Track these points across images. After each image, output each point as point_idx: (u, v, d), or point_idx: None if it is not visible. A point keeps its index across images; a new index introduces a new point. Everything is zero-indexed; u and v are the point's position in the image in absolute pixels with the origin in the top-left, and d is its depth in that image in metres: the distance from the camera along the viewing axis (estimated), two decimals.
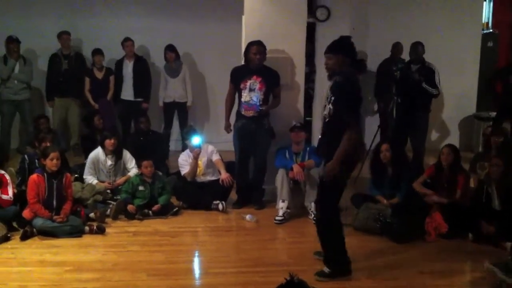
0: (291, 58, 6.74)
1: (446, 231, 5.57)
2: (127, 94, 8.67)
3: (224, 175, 6.52)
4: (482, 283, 4.71)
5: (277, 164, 6.31)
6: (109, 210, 6.10)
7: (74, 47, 8.83)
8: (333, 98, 4.43)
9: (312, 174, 6.08)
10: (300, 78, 6.86)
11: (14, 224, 5.66)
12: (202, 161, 6.67)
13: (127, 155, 6.85)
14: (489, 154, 6.52)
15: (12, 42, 8.24)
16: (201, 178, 6.70)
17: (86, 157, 6.93)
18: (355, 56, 4.59)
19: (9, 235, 5.42)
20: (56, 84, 8.65)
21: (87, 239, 5.51)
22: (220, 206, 6.38)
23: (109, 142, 6.65)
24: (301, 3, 6.73)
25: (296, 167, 6.12)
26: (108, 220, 6.00)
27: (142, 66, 8.73)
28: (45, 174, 5.63)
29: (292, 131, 6.41)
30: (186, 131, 7.03)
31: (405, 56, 8.14)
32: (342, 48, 4.53)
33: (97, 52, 8.61)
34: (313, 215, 6.02)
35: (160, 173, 6.73)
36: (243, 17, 6.80)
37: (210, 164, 6.71)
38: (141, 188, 6.34)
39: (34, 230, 5.48)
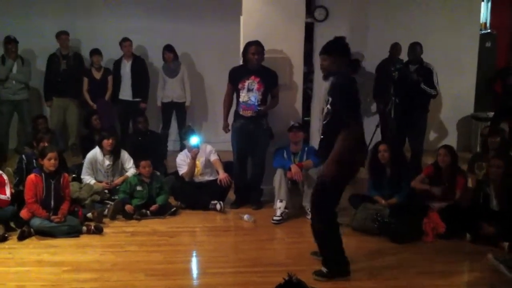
0: (289, 58, 6.74)
1: (444, 232, 5.58)
2: (125, 94, 8.67)
3: (222, 175, 6.52)
4: (481, 283, 4.71)
5: (275, 164, 6.31)
6: (107, 210, 6.09)
7: (72, 47, 8.83)
8: (330, 99, 4.43)
9: (310, 174, 6.08)
10: (298, 78, 6.86)
11: (12, 224, 5.65)
12: (200, 161, 6.67)
13: (125, 155, 6.84)
14: (487, 155, 6.53)
15: (10, 42, 8.23)
16: (199, 178, 6.70)
17: (85, 157, 6.92)
18: (350, 57, 4.59)
19: (6, 235, 5.42)
20: (55, 84, 8.65)
21: (85, 239, 5.50)
22: (218, 206, 6.37)
23: (107, 142, 6.64)
24: (299, 3, 6.73)
25: (294, 167, 6.12)
26: (106, 220, 5.99)
27: (140, 66, 8.74)
28: (43, 174, 5.62)
29: (290, 131, 6.42)
30: (184, 131, 7.04)
31: (404, 56, 8.15)
32: (337, 49, 4.53)
33: (95, 52, 8.61)
34: (310, 216, 6.02)
35: (158, 173, 6.72)
36: (241, 17, 6.79)
37: (208, 164, 6.71)
38: (139, 188, 6.34)
39: (32, 230, 5.47)
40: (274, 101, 6.52)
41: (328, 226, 4.57)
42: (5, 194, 5.69)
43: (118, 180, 6.68)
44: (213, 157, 6.69)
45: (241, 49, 6.48)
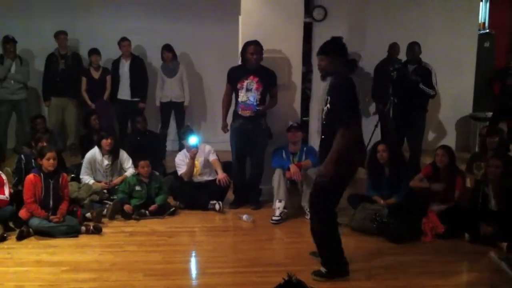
0: (288, 58, 6.73)
1: (443, 232, 5.58)
2: (124, 94, 8.67)
3: (221, 175, 6.51)
4: (480, 283, 4.72)
5: (274, 164, 6.31)
6: (105, 210, 6.09)
7: (71, 47, 8.82)
8: (329, 98, 4.43)
9: (309, 174, 6.08)
10: (297, 78, 6.86)
11: (11, 224, 5.64)
12: (199, 161, 6.66)
13: (123, 155, 6.84)
14: (485, 155, 6.54)
15: (9, 42, 8.23)
16: (198, 178, 6.70)
17: (84, 157, 6.92)
18: (347, 57, 4.59)
19: (5, 235, 5.41)
20: (53, 84, 8.64)
21: (83, 239, 5.50)
22: (217, 206, 6.37)
23: (105, 142, 6.64)
24: (298, 3, 6.73)
25: (293, 167, 6.12)
26: (104, 220, 5.99)
27: (138, 65, 8.73)
28: (42, 174, 5.62)
29: (289, 131, 6.42)
30: (183, 131, 7.03)
31: (402, 56, 8.16)
32: (334, 49, 4.53)
33: (94, 52, 8.60)
34: (309, 216, 6.01)
35: (157, 173, 6.73)
36: (240, 17, 6.80)
37: (207, 164, 6.70)
38: (138, 188, 6.33)
39: (31, 230, 5.47)
40: (273, 101, 6.52)
41: (327, 226, 4.57)
42: (4, 194, 5.68)
43: (117, 180, 6.68)
44: (212, 157, 6.69)
45: (240, 49, 6.48)
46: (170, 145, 8.97)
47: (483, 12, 10.38)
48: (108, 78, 8.68)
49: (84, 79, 8.64)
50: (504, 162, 5.64)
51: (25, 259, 4.97)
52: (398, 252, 5.25)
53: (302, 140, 6.59)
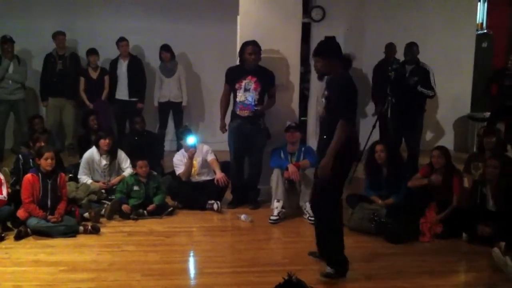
0: (286, 58, 6.74)
1: (441, 231, 5.58)
2: (122, 94, 8.67)
3: (219, 175, 6.51)
4: (479, 283, 4.72)
5: (272, 164, 6.31)
6: (103, 210, 6.09)
7: (69, 47, 8.82)
8: (329, 98, 4.44)
9: (307, 174, 6.08)
10: (295, 78, 6.86)
11: (9, 224, 5.64)
12: (197, 161, 6.66)
13: (122, 155, 6.84)
14: (483, 155, 6.54)
15: (6, 42, 8.21)
16: (196, 178, 6.69)
17: (82, 157, 6.91)
18: (341, 56, 4.60)
19: (3, 235, 5.40)
20: (50, 84, 8.64)
21: (81, 239, 5.49)
22: (215, 206, 6.37)
23: (104, 142, 6.64)
24: (296, 4, 6.74)
25: (291, 167, 6.13)
26: (102, 220, 5.98)
27: (136, 65, 8.73)
28: (40, 174, 5.61)
29: (287, 131, 6.41)
30: (181, 131, 7.03)
31: (400, 56, 8.16)
32: (329, 50, 4.53)
33: (92, 52, 8.60)
34: (308, 215, 6.03)
35: (155, 173, 6.72)
36: (238, 17, 6.80)
37: (205, 164, 6.70)
38: (136, 188, 6.33)
39: (29, 230, 5.46)
40: (271, 101, 6.52)
41: (328, 226, 4.57)
42: (2, 194, 5.67)
43: (115, 180, 6.68)
44: (210, 157, 6.69)
45: (238, 49, 6.48)
46: (168, 145, 8.97)
47: (481, 12, 10.40)
48: (106, 78, 8.68)
49: (82, 79, 8.64)
50: (501, 162, 5.65)
51: (23, 259, 4.96)
52: (396, 252, 5.25)
53: (300, 140, 6.58)
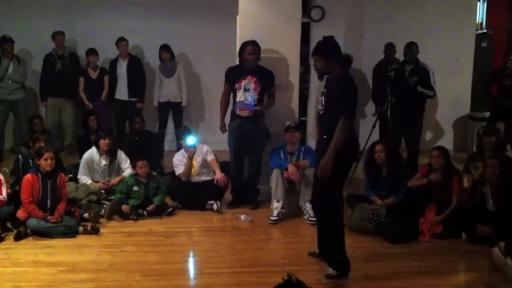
0: (286, 58, 6.74)
1: (441, 231, 5.59)
2: (121, 94, 8.67)
3: (218, 175, 6.51)
4: (479, 282, 4.73)
5: (272, 164, 6.31)
6: (103, 211, 6.08)
7: (68, 47, 8.81)
8: (325, 90, 4.47)
9: (307, 174, 6.08)
10: (294, 78, 6.86)
11: (8, 225, 5.64)
12: (196, 161, 6.66)
13: (121, 155, 6.84)
14: (482, 154, 6.54)
15: (6, 42, 8.20)
16: (195, 178, 6.69)
17: (81, 157, 6.91)
18: (341, 56, 4.60)
19: (3, 235, 5.40)
20: (50, 84, 8.64)
21: (81, 239, 5.49)
22: (215, 206, 6.37)
23: (103, 142, 6.64)
24: (295, 3, 6.73)
25: (291, 167, 6.12)
26: (102, 220, 5.98)
27: (136, 65, 8.73)
28: (39, 174, 5.61)
29: (287, 131, 6.42)
30: (181, 131, 7.03)
31: (399, 56, 8.16)
32: (329, 49, 4.53)
33: (92, 52, 8.60)
34: (307, 215, 6.03)
35: (155, 173, 6.72)
36: (238, 17, 6.80)
37: (204, 164, 6.70)
38: (135, 188, 6.33)
39: (28, 230, 5.46)
40: (271, 101, 6.52)
41: (328, 227, 4.57)
42: (2, 194, 5.66)
43: (114, 180, 6.68)
44: (210, 157, 6.68)
45: (238, 49, 6.48)
46: (168, 145, 8.97)
47: (480, 12, 10.39)
48: (106, 78, 8.68)
49: (82, 79, 8.64)
50: (501, 162, 5.65)
51: (23, 260, 4.96)
52: (396, 252, 5.25)
53: (300, 140, 6.59)
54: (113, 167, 6.78)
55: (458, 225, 5.59)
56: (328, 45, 4.56)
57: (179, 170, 6.66)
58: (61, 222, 5.54)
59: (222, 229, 6.04)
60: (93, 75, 8.66)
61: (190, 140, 6.57)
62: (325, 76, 4.59)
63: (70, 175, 6.74)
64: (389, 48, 8.79)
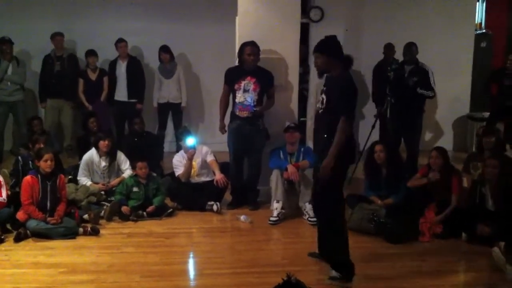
0: (285, 58, 6.74)
1: (441, 231, 5.59)
2: (121, 95, 8.66)
3: (218, 176, 6.51)
4: (479, 282, 4.73)
5: (272, 165, 6.31)
6: (103, 212, 6.08)
7: (67, 48, 8.81)
8: (325, 88, 4.49)
9: (307, 175, 6.08)
10: (294, 78, 6.86)
11: (8, 226, 5.64)
12: (196, 162, 6.66)
13: (121, 156, 6.84)
14: (482, 154, 6.54)
15: (5, 43, 8.20)
16: (195, 179, 6.69)
17: (81, 159, 6.91)
18: (342, 56, 4.61)
19: (2, 237, 5.40)
20: (49, 85, 8.63)
21: (81, 240, 5.49)
22: (215, 207, 6.37)
23: (103, 144, 6.63)
24: (294, 4, 6.73)
25: (290, 168, 6.12)
26: (102, 221, 5.98)
27: (135, 66, 8.72)
28: (39, 176, 5.61)
29: (287, 131, 6.42)
30: (181, 132, 7.02)
31: (399, 56, 8.15)
32: (330, 47, 4.54)
33: (91, 53, 8.60)
34: (307, 216, 6.03)
35: (155, 174, 6.72)
36: (237, 18, 6.80)
37: (204, 165, 6.70)
38: (135, 189, 6.32)
39: (28, 232, 5.46)
40: (270, 101, 6.52)
41: (328, 227, 4.56)
42: (1, 196, 5.66)
43: (114, 181, 6.68)
44: (210, 158, 6.68)
45: (237, 50, 6.48)
46: (167, 146, 8.97)
47: (479, 12, 10.40)
48: (105, 79, 8.68)
49: (81, 81, 8.64)
50: (501, 162, 5.65)
51: (23, 261, 4.96)
52: (396, 252, 5.25)
53: (299, 140, 6.59)
54: (113, 168, 6.78)
55: (458, 225, 5.59)
56: (330, 43, 4.57)
57: (179, 171, 6.66)
58: (61, 223, 5.54)
59: (222, 230, 6.04)
60: (93, 76, 8.66)
61: (190, 141, 6.57)
62: (325, 75, 4.60)
63: (70, 177, 6.74)
64: (389, 48, 8.79)
